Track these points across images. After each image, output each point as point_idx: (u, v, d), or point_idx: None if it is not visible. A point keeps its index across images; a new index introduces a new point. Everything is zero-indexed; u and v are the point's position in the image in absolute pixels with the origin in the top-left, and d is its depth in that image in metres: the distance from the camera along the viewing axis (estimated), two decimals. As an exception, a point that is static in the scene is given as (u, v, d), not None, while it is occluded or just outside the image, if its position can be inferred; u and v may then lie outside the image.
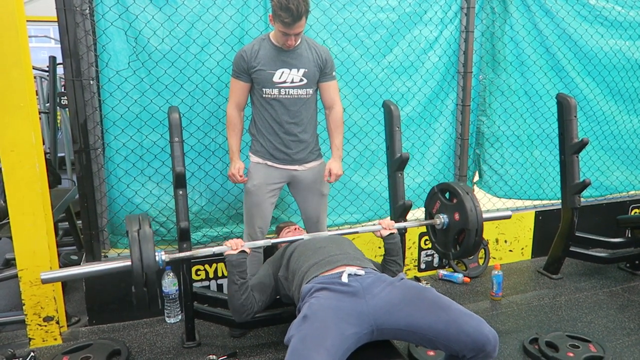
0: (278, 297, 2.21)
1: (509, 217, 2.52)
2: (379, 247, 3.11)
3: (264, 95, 2.36)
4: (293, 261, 2.04)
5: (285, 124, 2.39)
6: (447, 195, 2.37)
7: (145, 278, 1.73)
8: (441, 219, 2.32)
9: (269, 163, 2.44)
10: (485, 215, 2.23)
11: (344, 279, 1.76)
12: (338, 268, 1.85)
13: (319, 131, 2.59)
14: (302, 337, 1.55)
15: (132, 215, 1.91)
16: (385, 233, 2.20)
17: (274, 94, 2.35)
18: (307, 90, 2.39)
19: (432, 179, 3.32)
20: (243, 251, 2.01)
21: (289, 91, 2.35)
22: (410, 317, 1.65)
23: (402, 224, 2.37)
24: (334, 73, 2.47)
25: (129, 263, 1.74)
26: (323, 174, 2.51)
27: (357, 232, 2.29)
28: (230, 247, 2.01)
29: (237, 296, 2.00)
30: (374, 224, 2.29)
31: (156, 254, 1.78)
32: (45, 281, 1.76)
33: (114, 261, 1.83)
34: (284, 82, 2.34)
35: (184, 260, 2.29)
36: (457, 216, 2.25)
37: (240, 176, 2.45)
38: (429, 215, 2.46)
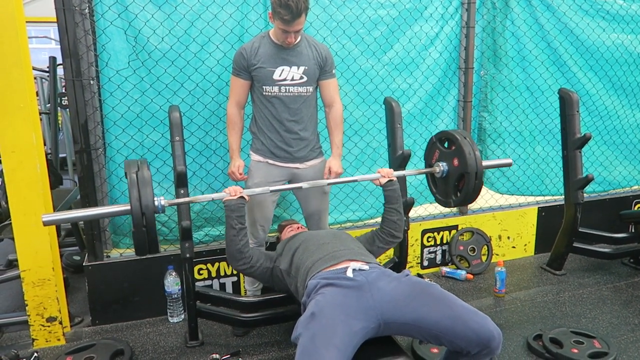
0: (282, 295, 2.21)
1: (509, 164, 2.50)
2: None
3: (264, 93, 2.35)
4: (297, 257, 2.04)
5: (285, 122, 2.38)
6: (445, 144, 2.37)
7: (145, 223, 1.76)
8: (440, 167, 2.33)
9: (270, 161, 2.44)
10: (485, 163, 2.25)
11: (349, 273, 1.77)
12: (342, 263, 1.85)
13: (319, 129, 2.58)
14: (311, 335, 1.55)
15: (131, 159, 1.93)
16: (384, 181, 2.24)
17: (274, 92, 2.34)
18: (308, 87, 2.38)
19: (434, 176, 3.30)
20: (242, 197, 2.06)
21: (289, 89, 2.34)
22: (417, 313, 1.66)
23: (401, 172, 2.38)
24: (333, 71, 2.46)
25: (127, 207, 1.77)
26: (323, 170, 2.51)
27: (355, 181, 2.33)
28: (229, 194, 2.05)
29: (235, 241, 2.04)
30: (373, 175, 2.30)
31: (155, 198, 1.81)
32: (46, 223, 1.78)
33: (114, 206, 1.86)
34: (284, 79, 2.33)
35: (186, 260, 2.29)
36: (456, 162, 2.25)
37: (240, 174, 2.44)
38: (429, 166, 2.46)
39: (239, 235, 2.05)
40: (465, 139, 2.22)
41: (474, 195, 2.23)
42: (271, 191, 2.19)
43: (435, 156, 2.39)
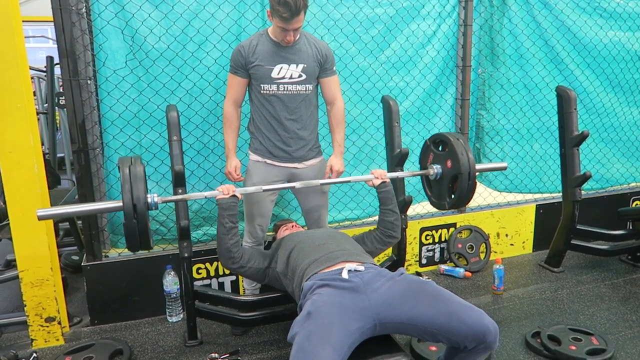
0: (281, 293, 2.21)
1: (504, 168, 2.51)
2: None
3: (262, 92, 2.33)
4: (292, 258, 2.04)
5: (284, 121, 2.37)
6: (440, 148, 2.38)
7: (136, 215, 1.77)
8: (434, 169, 2.34)
9: (268, 161, 2.43)
10: (480, 166, 2.26)
11: (344, 275, 1.77)
12: (338, 265, 1.85)
13: (318, 128, 2.57)
14: (307, 334, 1.56)
15: (125, 156, 1.94)
16: (377, 182, 2.24)
17: (273, 90, 2.32)
18: (307, 86, 2.37)
19: (432, 174, 3.31)
20: (234, 196, 2.07)
21: (287, 87, 2.33)
22: (412, 311, 1.66)
23: (394, 174, 2.39)
24: (334, 68, 2.44)
25: (120, 204, 1.78)
26: (323, 171, 2.50)
27: (349, 182, 2.34)
28: (222, 192, 2.07)
29: (225, 239, 2.06)
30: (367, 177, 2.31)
31: (148, 195, 1.82)
32: (41, 217, 1.80)
33: (108, 202, 1.88)
34: (283, 77, 2.31)
35: (184, 259, 2.29)
36: (449, 163, 2.26)
37: (237, 174, 2.43)
38: (423, 169, 2.47)
39: (228, 234, 2.05)
40: (458, 141, 2.23)
41: (468, 195, 2.23)
42: (264, 190, 2.20)
43: (430, 159, 2.40)
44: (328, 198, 2.64)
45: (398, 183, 2.59)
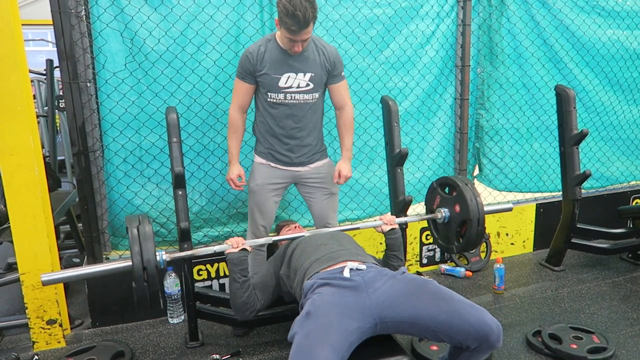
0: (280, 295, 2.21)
1: (510, 209, 2.51)
2: (380, 243, 3.11)
3: (268, 99, 2.30)
4: (294, 259, 2.04)
5: (289, 129, 2.34)
6: (446, 190, 2.37)
7: (147, 277, 1.73)
8: (442, 213, 2.31)
9: (272, 164, 2.42)
10: (486, 209, 2.22)
11: (346, 273, 1.77)
12: (339, 264, 1.85)
13: (329, 128, 2.55)
14: (306, 333, 1.56)
15: (132, 215, 1.90)
16: (387, 228, 2.18)
17: (280, 99, 2.29)
18: (314, 94, 2.33)
19: (432, 174, 3.31)
20: (244, 249, 2.01)
21: (294, 96, 2.29)
22: (413, 310, 1.66)
23: (403, 219, 2.36)
24: (342, 73, 2.40)
25: (129, 263, 1.74)
26: (329, 172, 2.49)
27: (358, 228, 2.28)
28: (231, 246, 2.00)
29: (239, 294, 2.01)
30: (375, 220, 2.28)
31: (157, 253, 1.77)
32: (45, 283, 1.75)
33: (115, 262, 1.82)
34: (290, 87, 2.27)
35: (185, 260, 2.29)
36: (457, 208, 2.25)
37: (239, 183, 2.41)
38: (430, 211, 2.45)
39: (242, 288, 2.00)
40: (466, 186, 2.21)
41: (477, 241, 2.21)
42: (274, 241, 2.15)
43: (437, 202, 2.38)
44: (337, 201, 2.62)
45: (398, 183, 2.59)
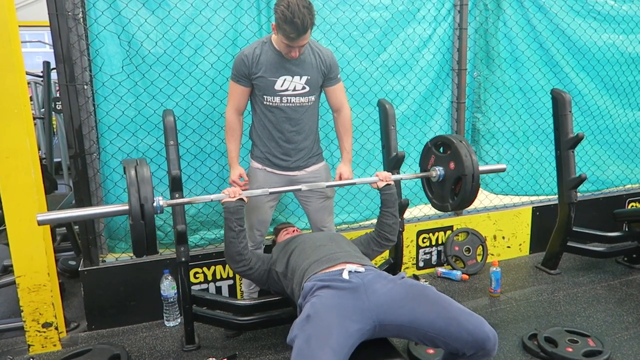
0: (278, 297, 2.21)
1: (503, 169, 2.52)
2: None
3: (264, 102, 2.30)
4: (293, 259, 2.05)
5: (286, 132, 2.34)
6: (441, 149, 2.38)
7: (143, 217, 1.76)
8: (437, 171, 2.35)
9: (268, 169, 2.41)
10: (480, 169, 2.26)
11: (345, 275, 1.77)
12: (338, 265, 1.86)
13: (326, 131, 2.55)
14: (306, 337, 1.56)
15: (129, 158, 1.92)
16: (382, 184, 2.26)
17: (276, 102, 2.29)
18: (310, 97, 2.33)
19: (429, 177, 3.32)
20: (241, 199, 2.06)
21: (290, 99, 2.29)
22: (412, 315, 1.66)
23: (398, 176, 2.40)
24: (339, 76, 2.41)
25: (126, 207, 1.77)
26: (325, 175, 2.49)
27: (354, 184, 2.37)
28: (228, 195, 2.05)
29: (235, 243, 2.06)
30: (371, 178, 2.32)
31: (154, 198, 1.81)
32: (41, 222, 1.77)
33: (112, 205, 1.85)
34: (286, 90, 2.27)
35: (181, 263, 2.29)
36: (452, 165, 2.27)
37: (243, 182, 2.41)
38: (425, 171, 2.46)
39: (238, 237, 2.05)
40: (461, 143, 2.23)
41: (471, 197, 2.24)
42: (270, 193, 2.20)
43: (431, 161, 2.40)
44: (333, 205, 2.62)
45: (395, 186, 2.59)
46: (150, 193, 1.78)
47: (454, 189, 2.30)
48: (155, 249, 1.85)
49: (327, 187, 2.33)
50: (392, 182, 2.28)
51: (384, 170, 2.68)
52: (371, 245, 2.27)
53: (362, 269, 1.82)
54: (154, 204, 1.80)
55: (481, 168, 2.28)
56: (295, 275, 1.96)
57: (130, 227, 1.77)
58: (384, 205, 2.27)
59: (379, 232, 2.27)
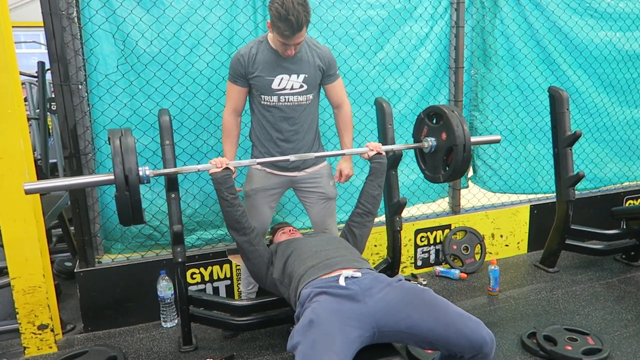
0: (276, 298, 2.19)
1: (498, 141, 2.51)
2: (375, 245, 3.10)
3: (262, 102, 2.28)
4: (289, 264, 2.03)
5: (284, 132, 2.32)
6: (434, 121, 2.37)
7: (128, 187, 1.75)
8: (429, 142, 2.34)
9: (268, 170, 2.39)
10: (474, 139, 2.26)
11: (342, 282, 1.77)
12: (335, 272, 1.85)
13: (323, 130, 2.54)
14: (311, 342, 1.54)
15: (114, 128, 1.92)
16: (372, 153, 2.28)
17: (273, 101, 2.27)
18: (308, 96, 2.31)
19: (427, 176, 3.31)
20: (227, 168, 2.07)
21: (288, 98, 2.27)
22: (410, 320, 1.66)
23: (389, 147, 2.39)
24: (337, 72, 2.40)
25: (111, 177, 1.76)
26: (326, 176, 2.47)
27: (344, 154, 2.37)
28: (215, 165, 2.05)
29: (232, 211, 2.06)
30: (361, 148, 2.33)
31: (140, 168, 1.81)
32: (28, 192, 1.77)
33: (98, 175, 1.85)
34: (283, 89, 2.25)
35: (178, 264, 2.27)
36: (444, 136, 2.26)
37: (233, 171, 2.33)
38: (417, 142, 2.46)
39: (233, 205, 2.05)
40: (453, 113, 2.23)
41: (462, 168, 2.24)
42: (258, 163, 2.22)
43: (424, 132, 2.40)
44: (335, 206, 2.59)
45: (392, 185, 2.58)
46: (135, 163, 1.77)
47: (446, 159, 2.30)
48: (141, 218, 1.84)
49: (316, 157, 2.29)
50: (383, 153, 2.30)
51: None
52: (353, 230, 2.28)
53: (358, 274, 1.81)
54: (140, 174, 1.80)
55: (474, 139, 2.28)
56: (292, 281, 1.95)
57: (115, 197, 1.76)
58: (372, 175, 2.27)
59: (362, 204, 2.27)
